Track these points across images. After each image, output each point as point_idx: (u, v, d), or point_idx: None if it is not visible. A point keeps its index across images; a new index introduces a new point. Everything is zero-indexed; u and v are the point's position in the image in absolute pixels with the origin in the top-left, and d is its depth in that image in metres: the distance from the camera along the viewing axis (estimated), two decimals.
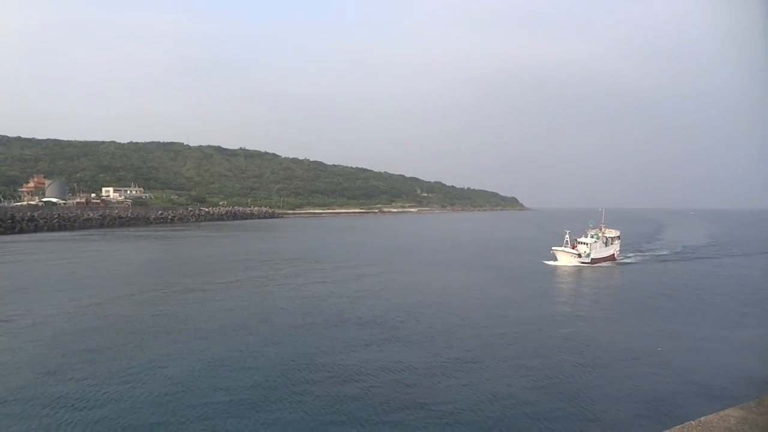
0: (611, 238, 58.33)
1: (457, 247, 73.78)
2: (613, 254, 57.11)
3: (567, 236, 55.38)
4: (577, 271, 49.58)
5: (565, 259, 53.13)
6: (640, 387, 17.58)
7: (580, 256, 52.58)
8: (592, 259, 52.71)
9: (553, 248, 54.43)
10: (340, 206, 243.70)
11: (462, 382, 17.79)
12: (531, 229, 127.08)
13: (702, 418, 4.27)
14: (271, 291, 35.42)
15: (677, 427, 4.15)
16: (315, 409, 15.35)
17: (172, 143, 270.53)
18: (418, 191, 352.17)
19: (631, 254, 63.37)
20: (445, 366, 19.38)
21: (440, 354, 20.88)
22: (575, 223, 57.97)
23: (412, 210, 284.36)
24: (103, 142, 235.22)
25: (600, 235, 56.83)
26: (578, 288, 41.60)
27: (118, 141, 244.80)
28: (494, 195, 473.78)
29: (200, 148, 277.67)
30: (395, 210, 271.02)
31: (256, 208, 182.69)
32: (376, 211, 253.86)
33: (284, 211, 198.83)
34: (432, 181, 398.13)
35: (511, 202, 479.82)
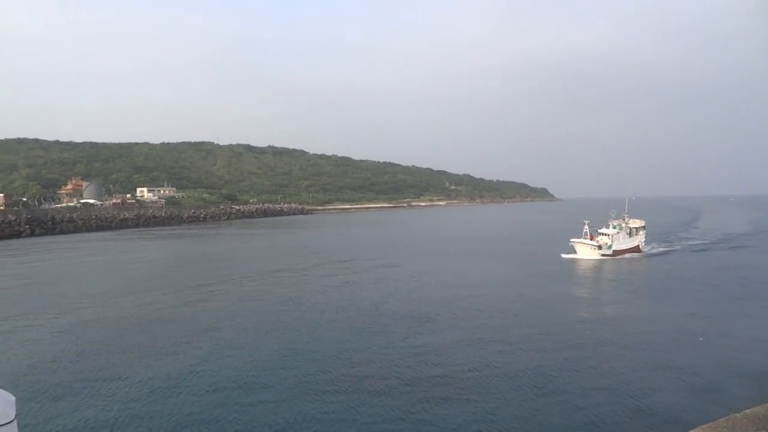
0: (635, 228, 55.87)
1: (476, 241, 72.23)
2: (638, 245, 54.70)
3: (586, 227, 52.60)
4: (598, 264, 47.50)
5: (584, 251, 50.69)
6: (684, 379, 17.42)
7: (600, 248, 50.27)
8: (614, 251, 50.46)
9: (571, 240, 51.87)
10: (369, 201, 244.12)
11: (503, 376, 17.84)
12: (557, 220, 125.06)
13: (747, 410, 4.25)
14: (307, 286, 36.00)
15: (722, 419, 4.08)
16: (350, 404, 15.63)
17: (202, 143, 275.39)
18: (447, 184, 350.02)
19: (661, 245, 60.98)
20: (480, 364, 19.44)
21: (469, 353, 20.93)
22: (602, 213, 56.36)
23: (440, 203, 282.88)
24: (136, 144, 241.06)
25: (623, 225, 54.58)
26: (598, 283, 39.55)
27: (151, 142, 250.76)
28: (523, 186, 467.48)
29: (230, 146, 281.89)
30: (424, 204, 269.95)
31: (285, 205, 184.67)
32: (405, 205, 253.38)
33: (313, 207, 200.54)
34: (460, 173, 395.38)
35: (541, 193, 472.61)
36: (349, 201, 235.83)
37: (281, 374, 18.39)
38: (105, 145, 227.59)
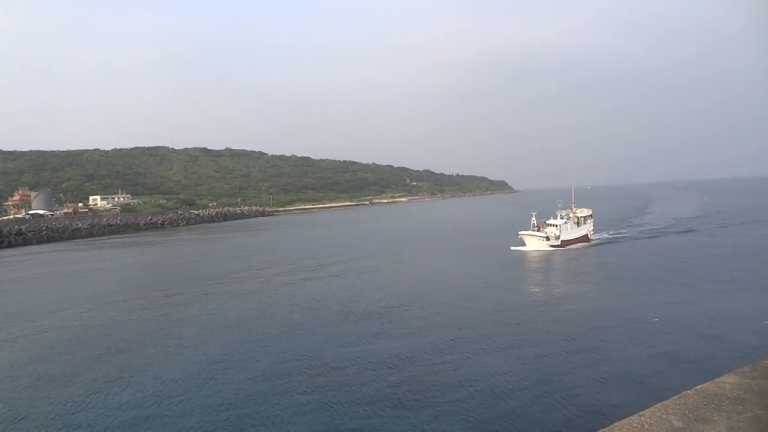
0: (583, 217, 55.88)
1: (431, 237, 72.24)
2: (586, 234, 54.74)
3: (534, 218, 52.40)
4: (547, 255, 47.26)
5: (533, 243, 50.36)
6: (637, 360, 18.27)
7: (548, 239, 50.05)
8: (562, 241, 50.25)
9: (519, 232, 51.77)
10: (331, 200, 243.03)
11: (461, 372, 18.60)
12: (512, 212, 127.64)
13: (698, 387, 4.54)
14: (267, 289, 36.07)
15: (675, 396, 4.40)
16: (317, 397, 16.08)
17: (157, 147, 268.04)
18: (408, 180, 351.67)
19: (612, 232, 61.91)
20: (434, 360, 20.17)
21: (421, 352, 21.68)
22: (558, 203, 57.19)
23: (402, 200, 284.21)
24: (86, 151, 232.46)
25: (571, 215, 54.42)
26: (546, 274, 39.83)
27: (102, 149, 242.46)
28: (483, 180, 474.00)
29: (186, 150, 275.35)
30: (386, 201, 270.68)
31: (246, 208, 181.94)
32: (367, 203, 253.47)
33: (275, 209, 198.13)
34: (421, 169, 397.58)
35: (501, 186, 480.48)
36: (310, 201, 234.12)
37: (247, 373, 18.67)
38: (53, 153, 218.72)
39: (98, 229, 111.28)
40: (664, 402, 4.38)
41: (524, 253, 48.86)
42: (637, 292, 29.58)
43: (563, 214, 53.24)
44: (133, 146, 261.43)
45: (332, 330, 23.80)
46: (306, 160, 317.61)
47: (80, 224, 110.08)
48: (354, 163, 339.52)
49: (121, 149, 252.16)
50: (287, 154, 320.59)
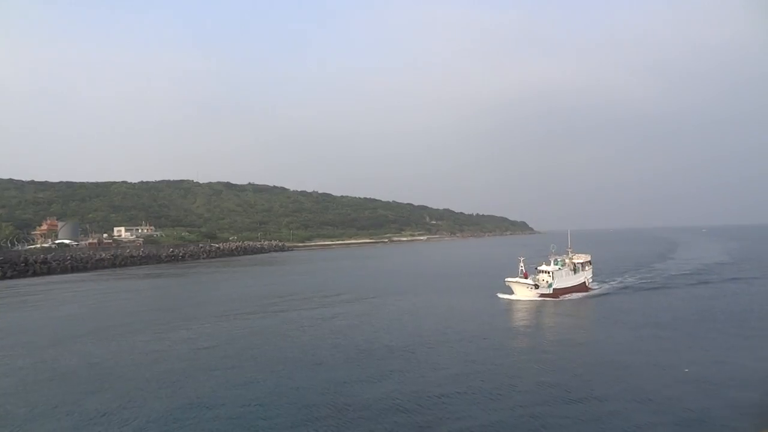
0: (581, 263, 50.81)
1: (430, 277, 71.05)
2: (584, 282, 49.94)
3: (521, 264, 47.20)
4: (534, 306, 41.96)
5: (520, 291, 45.36)
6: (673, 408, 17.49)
7: (537, 287, 44.98)
8: (554, 289, 45.27)
9: (506, 279, 46.65)
10: (350, 237, 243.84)
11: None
12: (524, 253, 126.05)
13: None
14: (280, 323, 35.83)
15: None
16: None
17: (182, 181, 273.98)
18: (427, 219, 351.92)
19: (619, 280, 57.52)
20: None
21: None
22: (552, 247, 53.53)
23: (421, 238, 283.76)
24: (114, 183, 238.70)
25: (567, 260, 49.67)
26: (535, 328, 34.63)
27: (129, 181, 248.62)
28: (503, 220, 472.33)
29: (210, 184, 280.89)
30: (405, 239, 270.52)
31: (266, 242, 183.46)
32: (386, 240, 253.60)
33: (294, 244, 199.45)
34: (441, 208, 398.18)
35: (521, 227, 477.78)
36: (330, 237, 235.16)
37: (267, 412, 18.29)
38: (81, 185, 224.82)
39: (121, 260, 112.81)
40: None
41: (511, 301, 44.51)
42: (644, 343, 28.27)
43: (557, 260, 48.81)
44: (160, 179, 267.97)
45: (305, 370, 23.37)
46: (326, 197, 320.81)
47: (104, 255, 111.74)
48: (374, 200, 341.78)
49: (147, 182, 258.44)
50: (308, 190, 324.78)
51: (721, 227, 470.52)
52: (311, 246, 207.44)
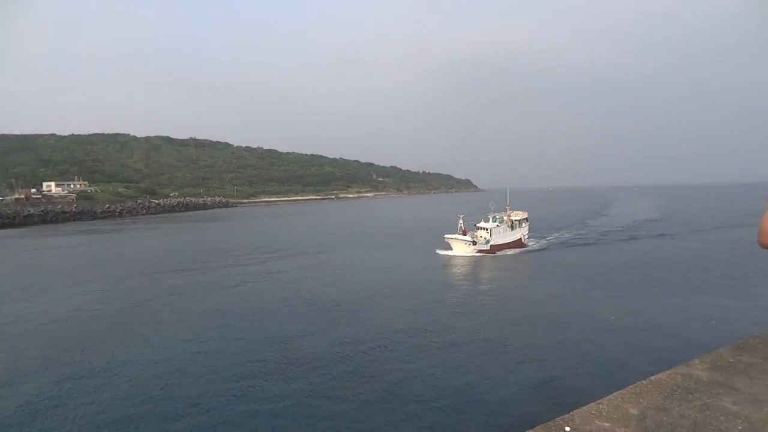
0: (518, 220, 52.41)
1: (376, 233, 71.69)
2: (521, 239, 51.66)
3: (461, 221, 48.84)
4: (472, 261, 43.49)
5: (459, 247, 46.62)
6: (590, 355, 18.86)
7: (475, 243, 46.20)
8: (492, 246, 46.73)
9: (445, 236, 47.94)
10: (296, 194, 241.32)
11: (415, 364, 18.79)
12: (465, 210, 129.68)
13: (652, 377, 4.75)
14: (224, 279, 35.59)
15: (631, 386, 4.58)
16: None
17: (117, 135, 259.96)
18: (374, 176, 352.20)
19: (554, 236, 59.53)
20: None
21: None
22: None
23: (368, 195, 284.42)
24: (41, 135, 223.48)
25: (505, 217, 51.27)
26: (473, 280, 36.04)
27: (58, 134, 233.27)
28: (449, 178, 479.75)
29: (148, 139, 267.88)
30: (352, 196, 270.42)
31: (209, 199, 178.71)
32: (333, 197, 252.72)
33: (239, 201, 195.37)
34: (388, 165, 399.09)
35: (465, 185, 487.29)
36: (275, 194, 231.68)
37: (214, 366, 18.41)
38: (4, 137, 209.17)
39: (52, 215, 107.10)
40: (620, 391, 4.58)
41: (449, 257, 45.40)
42: (575, 294, 29.96)
43: (496, 217, 50.14)
44: (92, 132, 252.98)
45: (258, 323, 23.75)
46: (272, 153, 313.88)
47: (32, 210, 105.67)
48: (321, 157, 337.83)
49: (78, 135, 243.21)
50: (253, 146, 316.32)
51: (652, 186, 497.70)
52: (256, 202, 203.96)
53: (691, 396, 4.35)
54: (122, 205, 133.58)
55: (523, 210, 56.60)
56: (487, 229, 47.57)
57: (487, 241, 46.79)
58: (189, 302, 28.74)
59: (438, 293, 30.73)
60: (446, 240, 47.67)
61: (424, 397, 15.34)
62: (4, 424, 14.05)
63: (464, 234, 47.72)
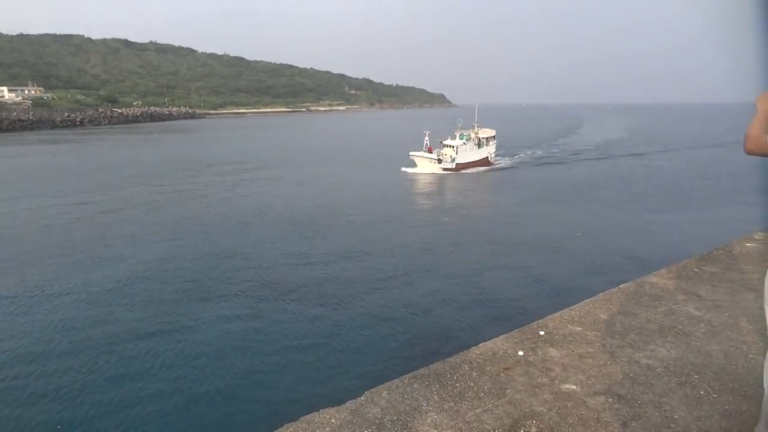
0: (486, 138, 51.18)
1: (350, 148, 70.28)
2: (487, 157, 50.51)
3: (426, 138, 47.36)
4: (436, 179, 42.81)
5: (424, 165, 45.73)
6: (562, 268, 19.60)
7: (440, 161, 45.42)
8: (457, 164, 45.85)
9: (411, 153, 46.71)
10: (265, 105, 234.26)
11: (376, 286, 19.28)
12: (438, 126, 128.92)
13: (622, 285, 5.00)
14: (195, 194, 35.17)
15: (601, 294, 4.83)
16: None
17: (70, 35, 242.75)
18: (346, 89, 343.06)
19: (521, 155, 58.73)
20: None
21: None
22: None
23: (340, 108, 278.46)
24: None
25: (472, 135, 49.90)
26: (438, 198, 36.03)
27: (4, 33, 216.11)
28: (422, 92, 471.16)
29: (105, 41, 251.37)
30: (323, 108, 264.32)
31: (174, 109, 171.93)
32: (304, 110, 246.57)
33: (206, 111, 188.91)
34: (360, 78, 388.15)
35: (439, 99, 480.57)
36: (244, 105, 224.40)
37: (178, 278, 18.55)
38: None
39: (7, 123, 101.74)
40: (591, 298, 4.79)
41: (414, 175, 44.80)
42: (543, 211, 30.35)
43: (463, 134, 48.92)
44: (43, 32, 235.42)
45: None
46: (240, 61, 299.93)
47: None
48: (291, 66, 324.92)
49: (28, 35, 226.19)
50: (219, 53, 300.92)
51: (625, 105, 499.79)
52: (224, 114, 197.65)
53: (657, 302, 4.59)
54: (83, 113, 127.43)
55: (491, 128, 55.38)
56: (452, 147, 46.45)
57: (453, 159, 45.81)
58: (153, 216, 28.46)
59: (398, 211, 30.39)
60: (411, 157, 46.61)
61: (394, 318, 15.33)
62: None
63: (430, 151, 46.60)
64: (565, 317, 4.32)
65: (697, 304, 4.52)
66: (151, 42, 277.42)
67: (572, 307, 4.54)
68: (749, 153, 2.39)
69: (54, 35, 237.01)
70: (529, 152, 62.31)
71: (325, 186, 38.97)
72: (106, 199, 32.60)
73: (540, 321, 4.27)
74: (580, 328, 4.10)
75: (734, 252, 5.92)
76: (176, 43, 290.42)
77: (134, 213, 28.70)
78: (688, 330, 4.05)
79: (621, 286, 5.04)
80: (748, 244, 6.17)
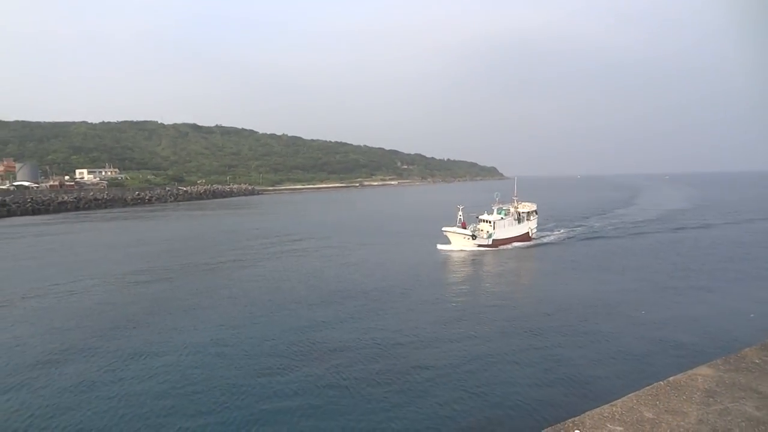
0: (526, 213, 48.78)
1: (386, 222, 70.25)
2: (528, 233, 47.96)
3: (460, 213, 45.08)
4: (470, 257, 39.80)
5: (457, 241, 43.04)
6: (608, 352, 18.28)
7: (474, 237, 42.87)
8: (494, 240, 43.22)
9: (443, 229, 44.14)
10: (321, 181, 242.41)
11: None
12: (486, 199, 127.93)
13: (671, 378, 4.60)
14: (252, 267, 36.06)
15: (647, 387, 4.47)
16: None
17: (145, 122, 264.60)
18: (399, 164, 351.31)
19: (571, 229, 55.20)
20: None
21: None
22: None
23: (392, 183, 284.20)
24: (73, 123, 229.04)
25: (512, 209, 47.79)
26: (475, 279, 33.09)
27: (89, 121, 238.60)
28: (473, 165, 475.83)
29: (175, 126, 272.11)
30: (376, 183, 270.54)
31: (235, 186, 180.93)
32: (357, 185, 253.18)
33: (264, 188, 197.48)
34: (412, 153, 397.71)
35: (491, 172, 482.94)
36: (300, 181, 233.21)
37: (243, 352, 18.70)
38: (38, 125, 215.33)
39: (84, 202, 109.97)
40: (636, 392, 4.40)
41: (449, 252, 42.22)
42: (584, 289, 28.77)
43: (501, 209, 46.63)
44: (122, 120, 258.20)
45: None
46: (296, 140, 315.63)
47: (66, 197, 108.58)
48: (345, 144, 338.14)
49: (109, 122, 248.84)
50: (278, 134, 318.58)
51: (683, 174, 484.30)
52: (281, 190, 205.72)
53: (711, 399, 4.14)
54: (151, 192, 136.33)
55: (532, 201, 53.15)
56: (489, 222, 44.15)
57: (490, 235, 43.43)
58: (214, 287, 29.22)
59: (431, 292, 28.27)
60: (444, 233, 44.06)
61: (435, 394, 15.05)
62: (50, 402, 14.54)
63: (463, 227, 44.22)
64: (605, 414, 3.97)
65: (757, 403, 4.06)
66: (217, 125, 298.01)
67: (613, 402, 4.18)
68: None
69: (131, 122, 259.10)
70: (578, 225, 59.91)
71: (359, 265, 36.45)
72: (170, 270, 33.94)
73: (576, 418, 3.94)
74: (621, 428, 3.74)
75: None
76: (240, 126, 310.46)
77: (200, 286, 29.66)
78: None
79: (671, 379, 4.62)
80: None
